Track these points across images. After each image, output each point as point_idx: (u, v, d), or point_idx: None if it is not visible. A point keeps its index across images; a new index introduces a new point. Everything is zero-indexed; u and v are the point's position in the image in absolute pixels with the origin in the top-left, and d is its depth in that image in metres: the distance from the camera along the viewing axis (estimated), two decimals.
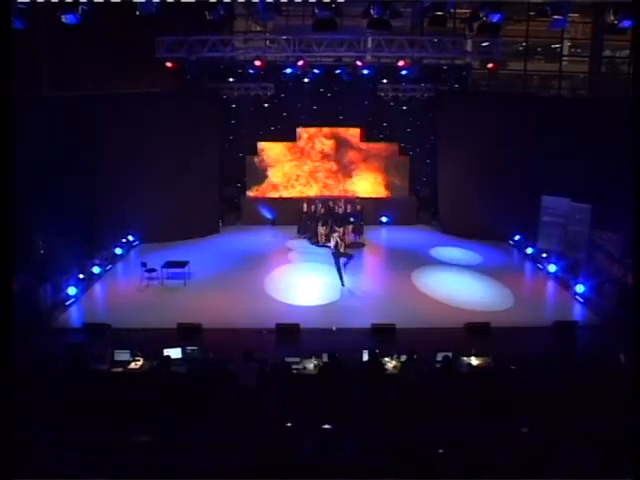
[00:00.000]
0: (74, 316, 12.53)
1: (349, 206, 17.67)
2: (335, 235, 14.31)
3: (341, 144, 20.03)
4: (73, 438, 6.60)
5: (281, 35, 16.13)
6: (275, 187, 20.22)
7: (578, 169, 15.14)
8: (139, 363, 9.57)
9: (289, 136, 19.89)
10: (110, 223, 15.76)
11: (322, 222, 17.53)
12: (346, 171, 20.23)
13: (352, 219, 17.61)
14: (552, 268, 14.89)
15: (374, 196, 20.06)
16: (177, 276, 14.28)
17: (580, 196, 14.98)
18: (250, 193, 20.14)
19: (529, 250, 16.48)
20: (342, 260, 14.15)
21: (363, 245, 17.76)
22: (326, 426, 6.53)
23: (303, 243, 17.96)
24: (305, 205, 18.43)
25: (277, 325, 11.47)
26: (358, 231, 17.87)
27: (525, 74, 19.53)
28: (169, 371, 8.91)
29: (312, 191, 20.10)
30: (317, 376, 9.02)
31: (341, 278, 13.96)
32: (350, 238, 17.57)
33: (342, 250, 14.18)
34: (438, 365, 9.18)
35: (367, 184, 20.25)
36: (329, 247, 14.60)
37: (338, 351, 9.00)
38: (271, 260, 16.52)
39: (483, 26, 11.74)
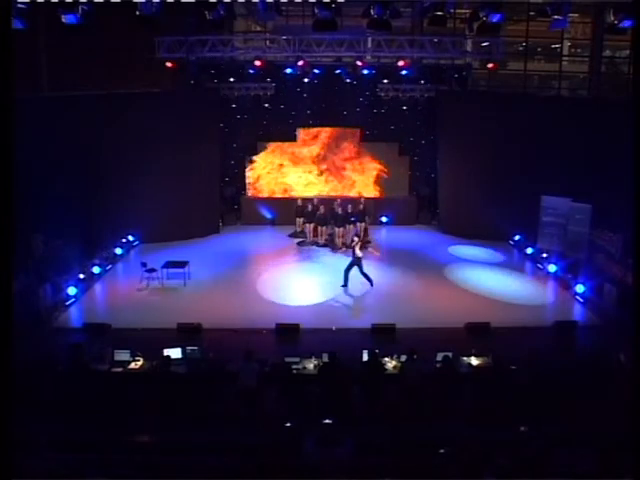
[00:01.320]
0: (74, 316, 12.52)
1: (349, 206, 17.65)
2: (356, 239, 14.09)
3: (340, 144, 20.03)
4: (73, 438, 6.60)
5: (281, 35, 16.16)
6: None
7: (578, 169, 15.14)
8: (139, 363, 9.57)
9: (289, 136, 19.88)
10: (110, 223, 15.76)
11: (322, 222, 17.55)
12: (345, 170, 20.24)
13: (353, 219, 17.60)
14: (552, 268, 14.89)
15: (374, 196, 20.05)
16: (177, 276, 14.27)
17: (580, 196, 14.98)
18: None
19: (529, 250, 16.47)
20: (355, 268, 13.87)
21: (369, 242, 17.87)
22: (327, 421, 6.52)
23: (303, 243, 18.00)
24: (300, 203, 18.37)
25: (277, 325, 11.47)
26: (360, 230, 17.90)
27: (525, 74, 19.53)
28: (169, 371, 8.91)
29: (312, 190, 20.11)
30: (317, 376, 9.02)
31: (346, 280, 13.87)
32: (350, 237, 17.59)
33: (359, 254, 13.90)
34: (438, 365, 9.18)
35: (365, 183, 20.27)
36: (331, 248, 14.09)
37: (338, 351, 8.99)
38: (271, 260, 16.52)
39: (483, 26, 11.76)
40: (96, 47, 14.98)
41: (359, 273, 13.75)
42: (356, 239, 14.07)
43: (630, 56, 17.69)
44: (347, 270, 13.84)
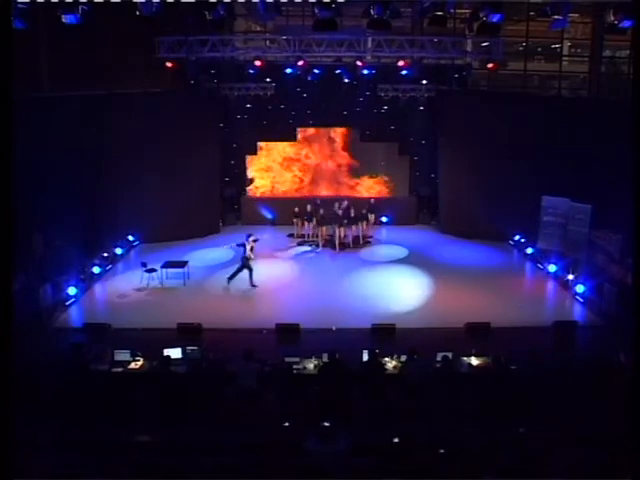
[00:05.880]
0: (74, 316, 12.54)
1: (349, 206, 17.66)
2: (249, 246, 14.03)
3: (341, 143, 20.03)
4: (73, 438, 6.59)
5: (281, 35, 16.16)
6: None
7: (578, 169, 15.14)
8: (139, 363, 9.57)
9: (289, 136, 19.88)
10: (110, 223, 15.76)
11: (322, 222, 17.55)
12: (345, 170, 20.25)
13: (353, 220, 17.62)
14: (552, 268, 14.89)
15: (374, 196, 20.03)
16: (177, 276, 14.28)
17: (580, 196, 14.97)
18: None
19: (529, 250, 16.47)
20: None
21: (368, 242, 17.91)
22: (326, 424, 6.52)
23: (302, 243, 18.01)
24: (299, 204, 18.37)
25: (277, 325, 11.47)
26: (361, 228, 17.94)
27: (525, 74, 19.52)
28: (169, 371, 8.90)
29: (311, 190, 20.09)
30: (317, 376, 9.02)
31: (232, 277, 14.04)
32: (350, 236, 17.60)
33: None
34: (438, 365, 9.17)
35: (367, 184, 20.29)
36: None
37: (338, 351, 8.98)
38: (271, 260, 16.51)
39: (483, 26, 11.77)
40: (96, 47, 14.99)
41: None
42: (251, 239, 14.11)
43: (630, 56, 17.68)
44: (235, 273, 13.99)
